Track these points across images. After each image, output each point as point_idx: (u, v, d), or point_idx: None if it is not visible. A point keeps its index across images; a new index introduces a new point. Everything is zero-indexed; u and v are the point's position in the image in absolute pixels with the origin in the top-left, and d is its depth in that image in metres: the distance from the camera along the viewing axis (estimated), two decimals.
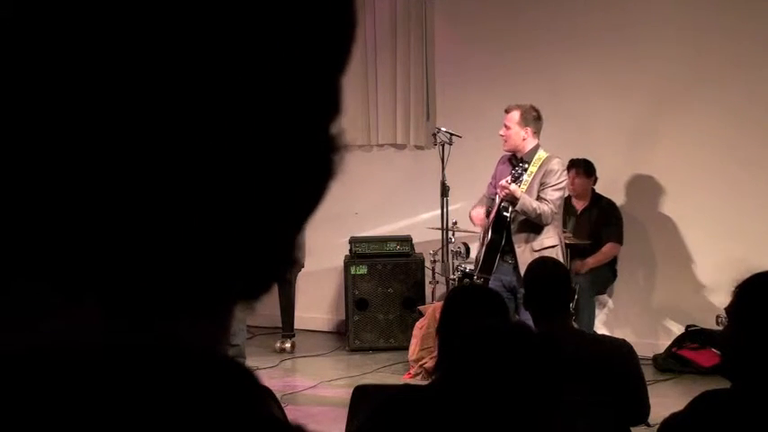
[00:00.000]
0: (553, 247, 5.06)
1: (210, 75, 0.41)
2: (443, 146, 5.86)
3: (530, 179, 5.06)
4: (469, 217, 5.43)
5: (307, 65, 0.44)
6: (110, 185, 0.40)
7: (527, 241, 5.08)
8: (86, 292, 0.42)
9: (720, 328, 2.82)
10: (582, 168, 6.24)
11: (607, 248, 6.24)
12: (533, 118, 5.14)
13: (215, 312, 0.46)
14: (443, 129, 5.92)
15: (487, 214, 5.27)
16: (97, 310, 0.42)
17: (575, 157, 6.20)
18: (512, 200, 4.97)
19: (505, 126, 5.15)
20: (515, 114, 5.13)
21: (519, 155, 5.15)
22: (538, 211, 4.96)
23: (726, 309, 2.17)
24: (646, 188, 6.54)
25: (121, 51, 0.39)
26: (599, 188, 6.39)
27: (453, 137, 5.87)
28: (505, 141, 5.16)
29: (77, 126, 0.40)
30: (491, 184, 5.38)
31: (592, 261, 6.16)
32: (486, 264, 5.21)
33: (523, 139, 5.13)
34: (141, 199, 0.41)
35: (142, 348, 0.42)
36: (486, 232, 5.28)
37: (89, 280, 0.42)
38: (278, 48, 0.42)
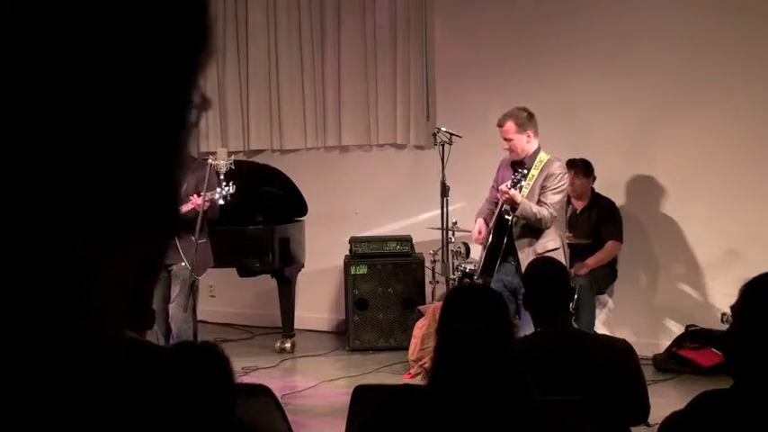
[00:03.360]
0: (555, 249, 5.05)
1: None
2: (443, 146, 5.85)
3: (531, 183, 5.06)
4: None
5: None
6: None
7: (530, 245, 5.08)
8: None
9: (725, 326, 2.82)
10: (581, 168, 6.24)
11: (608, 247, 6.24)
12: (527, 119, 5.14)
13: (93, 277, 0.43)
14: (443, 129, 5.92)
15: (487, 223, 5.29)
16: None
17: (573, 158, 6.20)
18: (512, 205, 4.97)
19: (506, 139, 5.15)
20: (511, 125, 5.12)
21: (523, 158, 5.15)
22: (537, 216, 4.96)
23: (731, 307, 2.17)
24: (646, 188, 6.54)
25: None
26: (599, 188, 6.38)
27: (453, 137, 5.87)
28: (512, 152, 5.16)
29: None
30: (493, 187, 5.38)
31: (592, 262, 6.14)
32: (488, 266, 5.22)
33: (527, 142, 5.13)
34: None
35: None
36: (487, 235, 5.28)
37: None
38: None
